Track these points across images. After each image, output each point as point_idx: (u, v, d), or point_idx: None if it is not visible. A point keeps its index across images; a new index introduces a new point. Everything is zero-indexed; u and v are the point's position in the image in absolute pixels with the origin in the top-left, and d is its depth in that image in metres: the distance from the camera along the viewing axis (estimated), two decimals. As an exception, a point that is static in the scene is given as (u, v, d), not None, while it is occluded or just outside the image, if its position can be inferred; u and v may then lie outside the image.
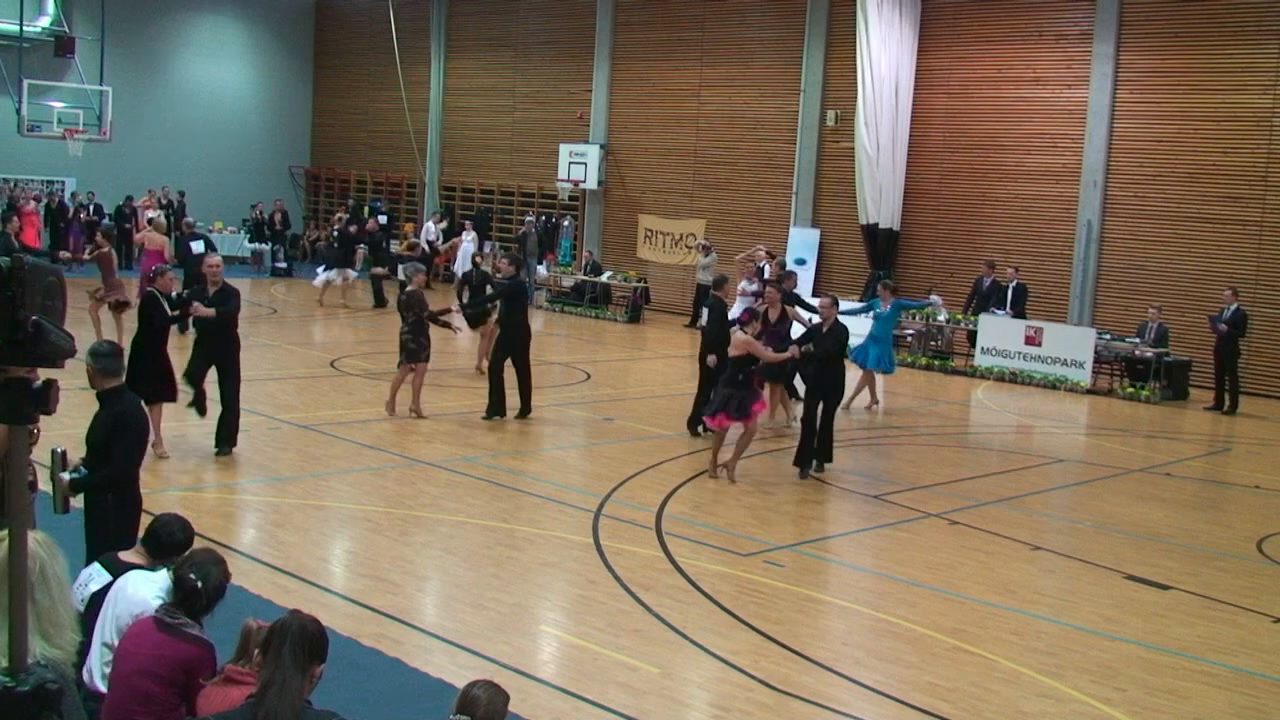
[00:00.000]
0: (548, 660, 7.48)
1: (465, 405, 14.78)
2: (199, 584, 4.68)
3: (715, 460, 12.21)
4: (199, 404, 12.02)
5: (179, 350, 12.72)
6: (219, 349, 11.68)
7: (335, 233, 26.71)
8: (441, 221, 29.72)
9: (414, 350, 13.91)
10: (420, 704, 6.51)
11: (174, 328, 11.95)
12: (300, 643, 3.74)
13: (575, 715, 6.59)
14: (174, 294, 11.68)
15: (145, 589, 4.99)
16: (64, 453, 6.30)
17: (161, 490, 10.04)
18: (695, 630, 7.87)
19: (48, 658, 3.45)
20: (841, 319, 12.89)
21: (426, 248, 27.51)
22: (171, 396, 11.34)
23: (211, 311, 11.41)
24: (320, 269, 26.10)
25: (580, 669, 7.23)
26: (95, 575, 5.32)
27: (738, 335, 12.31)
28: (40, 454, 6.33)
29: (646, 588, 8.63)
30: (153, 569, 5.18)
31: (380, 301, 24.81)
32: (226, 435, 11.74)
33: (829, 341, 12.46)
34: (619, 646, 7.54)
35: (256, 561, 8.77)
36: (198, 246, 19.66)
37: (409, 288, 14.31)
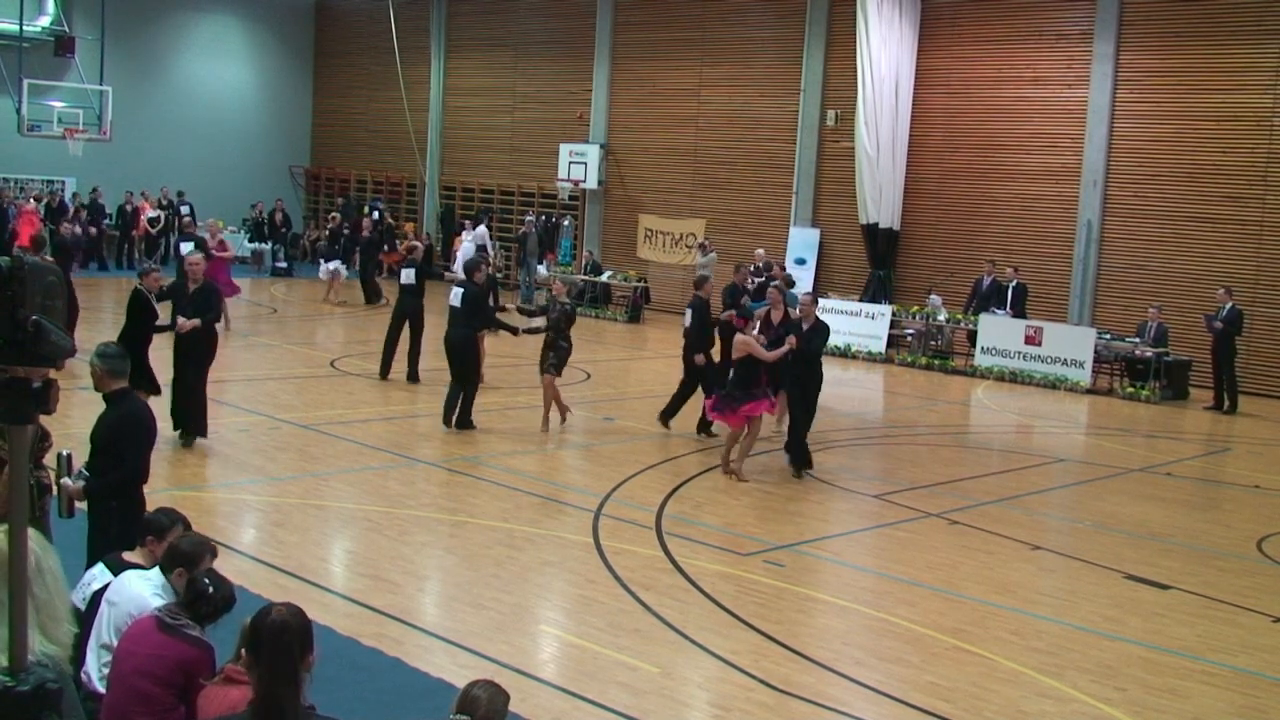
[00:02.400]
0: (548, 660, 7.48)
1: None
2: (210, 589, 4.69)
3: (727, 458, 12.24)
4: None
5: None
6: (196, 346, 11.81)
7: (328, 231, 27.05)
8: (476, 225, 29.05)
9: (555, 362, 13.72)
10: (420, 704, 6.51)
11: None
12: (289, 648, 3.67)
13: (575, 715, 6.59)
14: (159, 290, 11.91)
15: (141, 587, 5.00)
16: (70, 456, 6.30)
17: (161, 490, 10.03)
18: (695, 630, 7.87)
19: (46, 655, 3.45)
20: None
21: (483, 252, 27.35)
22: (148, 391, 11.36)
23: (196, 322, 11.58)
24: (323, 261, 26.32)
25: (580, 669, 7.23)
26: (99, 575, 5.33)
27: (738, 337, 12.29)
28: (49, 458, 6.35)
29: (646, 587, 8.63)
30: (149, 568, 5.18)
31: (371, 298, 25.04)
32: (195, 425, 11.86)
33: (811, 339, 12.41)
34: (619, 646, 7.54)
35: (256, 561, 8.77)
36: (186, 247, 19.84)
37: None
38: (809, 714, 6.82)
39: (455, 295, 13.81)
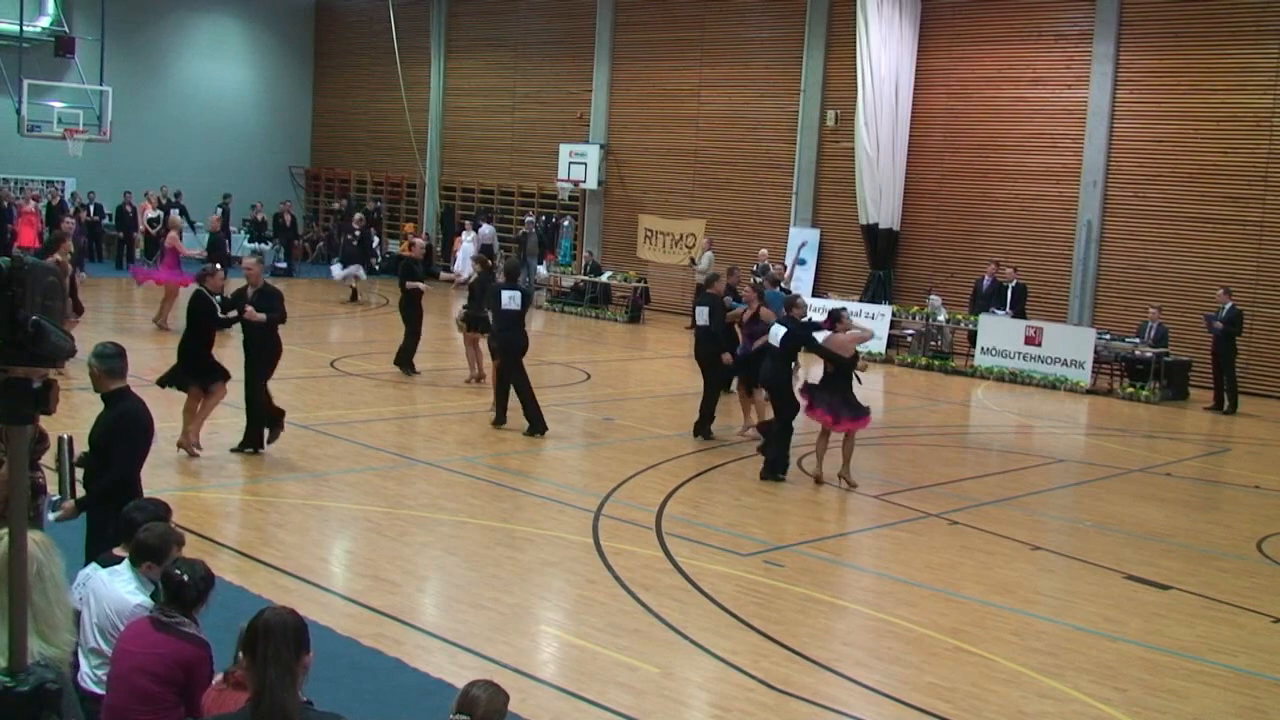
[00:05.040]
0: (548, 660, 7.48)
1: (465, 405, 14.77)
2: (185, 578, 4.72)
3: (821, 463, 12.11)
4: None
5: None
6: (263, 348, 11.88)
7: (357, 232, 27.07)
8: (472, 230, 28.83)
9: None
10: (420, 704, 6.51)
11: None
12: (283, 640, 3.70)
13: (575, 715, 6.59)
14: (221, 295, 11.92)
15: (117, 585, 5.03)
16: (71, 439, 6.32)
17: (162, 490, 10.00)
18: (695, 630, 7.87)
19: (46, 657, 3.45)
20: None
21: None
22: (215, 380, 11.68)
23: (262, 317, 11.62)
24: (336, 266, 26.37)
25: (580, 669, 7.23)
26: (92, 574, 5.33)
27: (842, 337, 12.21)
28: (49, 458, 6.35)
29: (646, 588, 8.63)
30: (118, 561, 5.19)
31: (354, 298, 25.31)
32: (253, 436, 11.93)
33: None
34: (619, 646, 7.54)
35: (256, 561, 8.77)
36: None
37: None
38: (809, 714, 6.82)
39: (513, 299, 13.73)
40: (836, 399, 12.03)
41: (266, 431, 11.96)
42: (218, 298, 11.78)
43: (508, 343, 13.69)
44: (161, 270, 20.51)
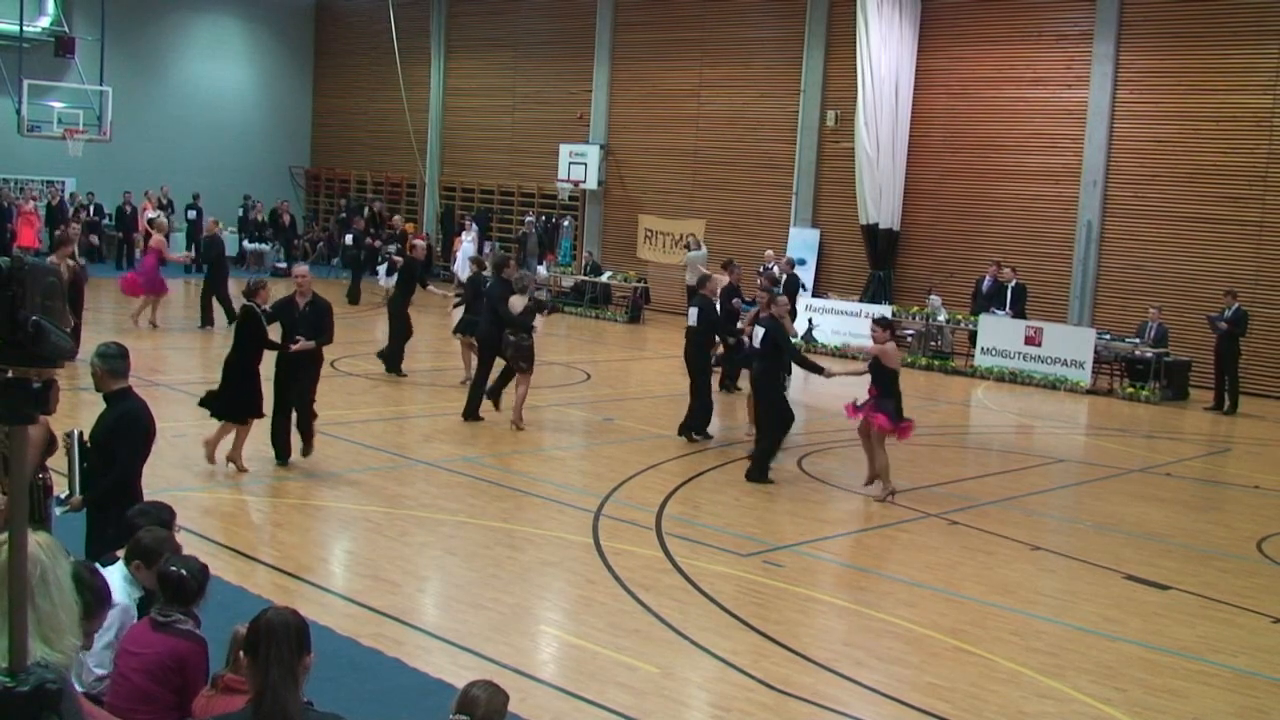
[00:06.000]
0: (548, 660, 7.48)
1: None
2: (182, 572, 4.73)
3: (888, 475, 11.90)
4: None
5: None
6: (307, 368, 11.42)
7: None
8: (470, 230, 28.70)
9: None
10: (420, 704, 6.51)
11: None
12: (285, 641, 3.70)
13: (575, 715, 6.59)
14: (266, 307, 11.21)
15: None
16: (80, 433, 6.33)
17: (163, 491, 10.01)
18: (695, 630, 7.87)
19: (48, 660, 3.45)
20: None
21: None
22: (255, 414, 11.12)
23: (312, 344, 11.16)
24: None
25: (580, 669, 7.23)
26: (92, 575, 5.34)
27: (890, 346, 12.19)
28: (56, 461, 6.36)
29: (646, 588, 8.63)
30: (110, 562, 5.20)
31: (354, 299, 25.38)
32: (305, 446, 11.54)
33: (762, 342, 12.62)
34: (619, 646, 7.54)
35: (256, 562, 8.77)
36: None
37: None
38: (809, 714, 6.82)
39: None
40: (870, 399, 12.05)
41: (302, 443, 11.55)
42: (264, 308, 11.12)
43: (480, 330, 14.22)
44: (142, 277, 20.25)
